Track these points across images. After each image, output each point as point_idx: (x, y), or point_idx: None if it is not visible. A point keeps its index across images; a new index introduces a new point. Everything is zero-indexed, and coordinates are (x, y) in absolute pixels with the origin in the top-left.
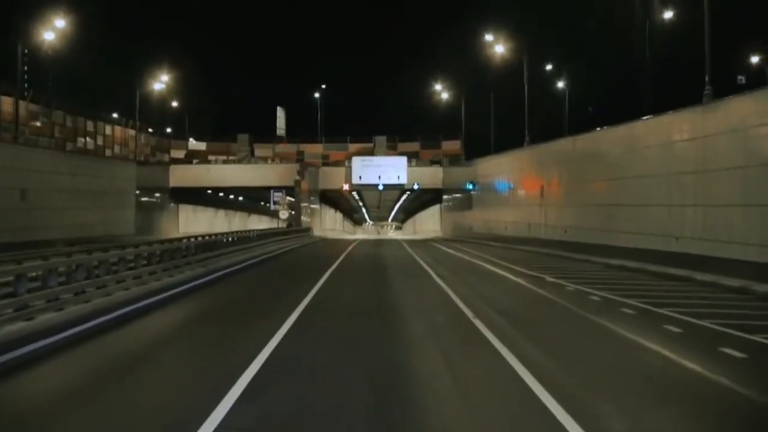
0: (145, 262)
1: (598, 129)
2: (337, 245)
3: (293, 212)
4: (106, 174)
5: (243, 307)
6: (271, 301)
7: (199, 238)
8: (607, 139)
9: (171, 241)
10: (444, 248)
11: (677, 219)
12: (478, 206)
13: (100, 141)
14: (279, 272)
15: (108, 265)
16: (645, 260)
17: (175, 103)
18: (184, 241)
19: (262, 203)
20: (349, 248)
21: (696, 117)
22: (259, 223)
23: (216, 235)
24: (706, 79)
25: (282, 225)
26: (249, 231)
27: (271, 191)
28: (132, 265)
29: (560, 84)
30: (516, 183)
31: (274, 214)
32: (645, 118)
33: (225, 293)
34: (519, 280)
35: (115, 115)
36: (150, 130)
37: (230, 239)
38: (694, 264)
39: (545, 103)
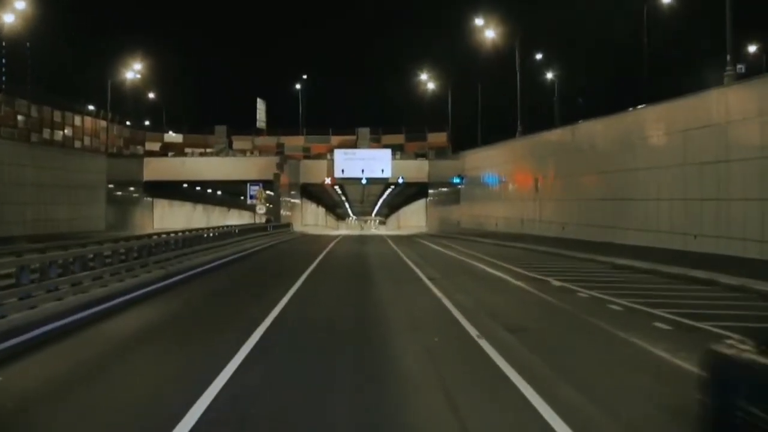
0: (92, 264)
1: (599, 117)
2: (318, 242)
3: (271, 206)
4: (74, 167)
5: (198, 320)
6: (238, 309)
7: (164, 236)
8: (609, 127)
9: (128, 239)
10: (431, 245)
11: (695, 215)
12: (466, 201)
13: (68, 132)
14: (253, 273)
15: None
16: (657, 260)
17: (152, 95)
18: (145, 239)
19: (242, 198)
20: (331, 245)
21: (718, 99)
22: (239, 218)
23: (186, 231)
24: (728, 58)
25: (260, 220)
26: (225, 227)
27: (248, 185)
28: (73, 268)
29: (549, 75)
30: (508, 176)
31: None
32: (654, 103)
33: (196, 292)
34: (520, 283)
35: (91, 108)
36: (128, 123)
37: (207, 235)
38: (714, 265)
39: (534, 96)
